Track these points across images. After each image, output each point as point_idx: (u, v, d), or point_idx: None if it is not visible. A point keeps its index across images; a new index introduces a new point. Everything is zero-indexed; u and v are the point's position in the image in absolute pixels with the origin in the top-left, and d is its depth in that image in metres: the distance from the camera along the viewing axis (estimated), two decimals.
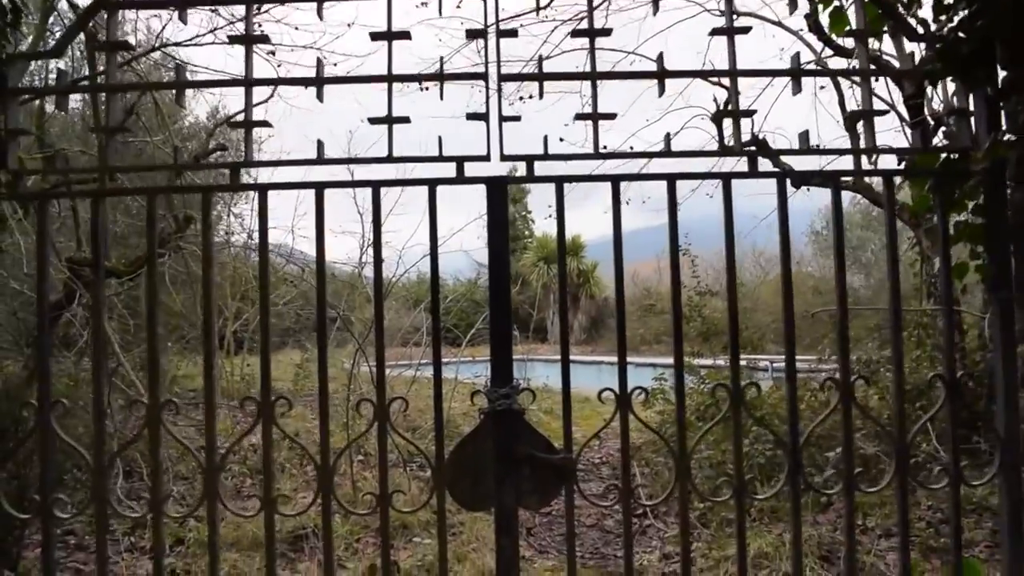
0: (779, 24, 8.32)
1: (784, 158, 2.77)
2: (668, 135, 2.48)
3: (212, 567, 2.46)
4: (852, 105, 8.27)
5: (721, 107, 8.88)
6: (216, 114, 11.02)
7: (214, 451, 2.44)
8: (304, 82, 2.54)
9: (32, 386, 7.50)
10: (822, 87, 8.19)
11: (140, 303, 10.54)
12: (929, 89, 4.84)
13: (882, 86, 7.92)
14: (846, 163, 2.74)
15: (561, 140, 6.33)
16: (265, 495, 2.44)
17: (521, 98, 7.62)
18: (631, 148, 7.21)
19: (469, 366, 11.20)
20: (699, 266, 10.07)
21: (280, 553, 5.59)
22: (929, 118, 3.98)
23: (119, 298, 9.15)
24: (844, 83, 8.37)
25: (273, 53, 5.99)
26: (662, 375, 8.81)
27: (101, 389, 2.46)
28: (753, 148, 2.55)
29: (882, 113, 2.75)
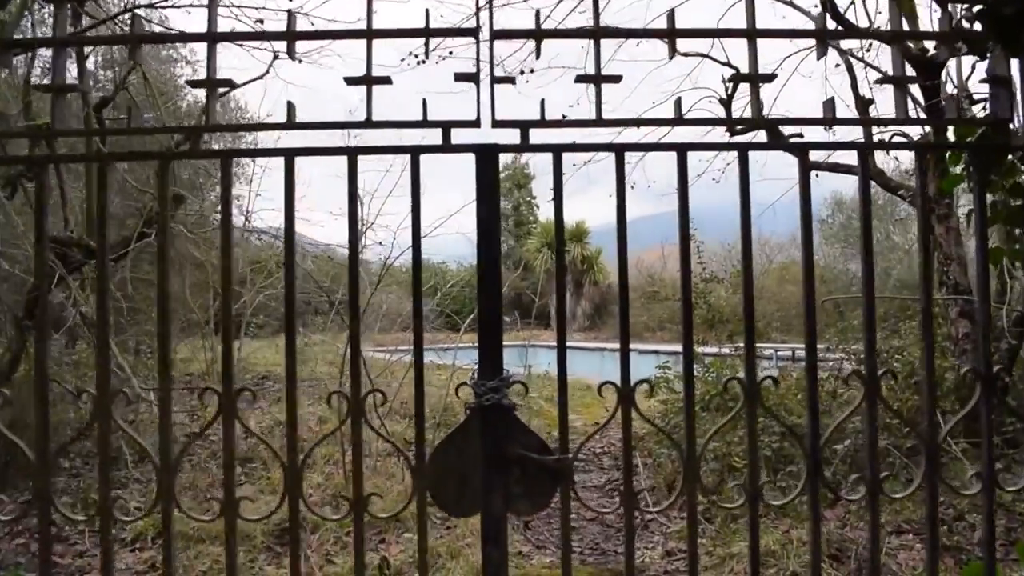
0: (790, 3, 8.02)
1: (803, 134, 2.50)
2: (679, 100, 2.21)
3: (167, 568, 2.22)
4: (864, 89, 7.98)
5: (730, 91, 8.60)
6: (222, 93, 10.72)
7: (169, 449, 2.19)
8: (273, 36, 2.29)
9: (14, 369, 7.31)
10: (837, 64, 7.89)
11: (131, 285, 10.32)
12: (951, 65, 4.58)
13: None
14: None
15: (563, 117, 6.01)
16: (226, 497, 2.20)
17: (521, 72, 7.32)
18: (636, 128, 6.95)
19: (470, 352, 10.94)
20: (704, 253, 9.80)
21: (266, 547, 5.37)
22: (954, 89, 3.71)
23: (113, 280, 8.91)
24: (857, 66, 8.12)
25: (261, 21, 5.68)
26: (666, 363, 8.57)
27: (44, 380, 2.22)
28: (773, 118, 2.28)
29: (913, 80, 2.49)
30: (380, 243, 8.46)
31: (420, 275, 2.23)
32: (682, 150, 2.23)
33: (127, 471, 7.10)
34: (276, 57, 6.18)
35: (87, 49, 6.84)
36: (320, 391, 11.41)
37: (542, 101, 2.20)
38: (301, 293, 13.43)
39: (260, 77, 6.47)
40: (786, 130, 2.31)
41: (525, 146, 2.18)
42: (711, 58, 8.39)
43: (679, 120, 2.23)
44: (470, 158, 2.19)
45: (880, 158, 7.90)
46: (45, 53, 8.86)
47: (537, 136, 2.20)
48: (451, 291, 11.37)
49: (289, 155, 2.19)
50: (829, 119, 2.31)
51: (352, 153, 2.19)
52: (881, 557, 5.11)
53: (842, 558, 5.02)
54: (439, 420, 9.32)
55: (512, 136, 2.20)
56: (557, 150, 2.21)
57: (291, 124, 2.17)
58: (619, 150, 2.22)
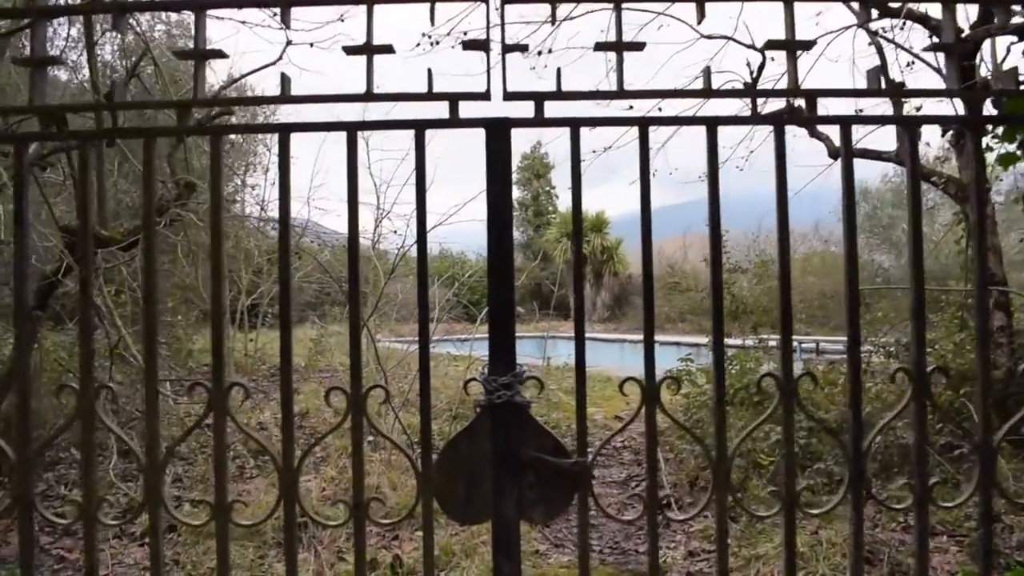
0: None
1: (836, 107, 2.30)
2: (708, 69, 2.01)
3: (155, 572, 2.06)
4: (895, 73, 7.69)
5: (755, 73, 8.36)
6: (232, 82, 10.61)
7: (157, 447, 2.03)
8: (267, 2, 2.11)
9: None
10: (869, 43, 7.61)
11: (142, 275, 10.21)
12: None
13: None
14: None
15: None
16: (217, 500, 2.03)
17: (539, 53, 7.11)
18: (659, 110, 6.72)
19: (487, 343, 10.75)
20: (728, 243, 9.56)
21: (276, 543, 5.22)
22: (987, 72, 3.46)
23: (129, 269, 8.79)
24: (887, 50, 7.84)
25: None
26: (688, 355, 8.36)
27: (26, 378, 2.06)
28: (813, 89, 2.07)
29: (963, 47, 2.27)
30: (396, 232, 8.30)
31: (426, 261, 2.05)
32: (712, 124, 2.04)
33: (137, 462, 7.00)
34: (289, 43, 6.02)
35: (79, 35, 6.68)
36: (337, 382, 11.31)
37: (558, 71, 2.00)
38: (317, 283, 13.37)
39: (272, 64, 6.31)
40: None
41: (539, 120, 1.99)
42: (735, 40, 8.14)
43: (709, 91, 2.03)
44: (483, 137, 2.01)
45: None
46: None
47: (553, 111, 2.02)
48: (469, 281, 11.18)
49: (284, 131, 2.01)
50: (875, 90, 2.11)
51: (351, 129, 2.01)
52: (910, 559, 4.93)
53: (874, 560, 4.81)
54: (455, 412, 9.18)
55: (526, 110, 2.01)
56: (574, 124, 2.02)
57: (286, 98, 1.99)
58: (643, 124, 2.02)
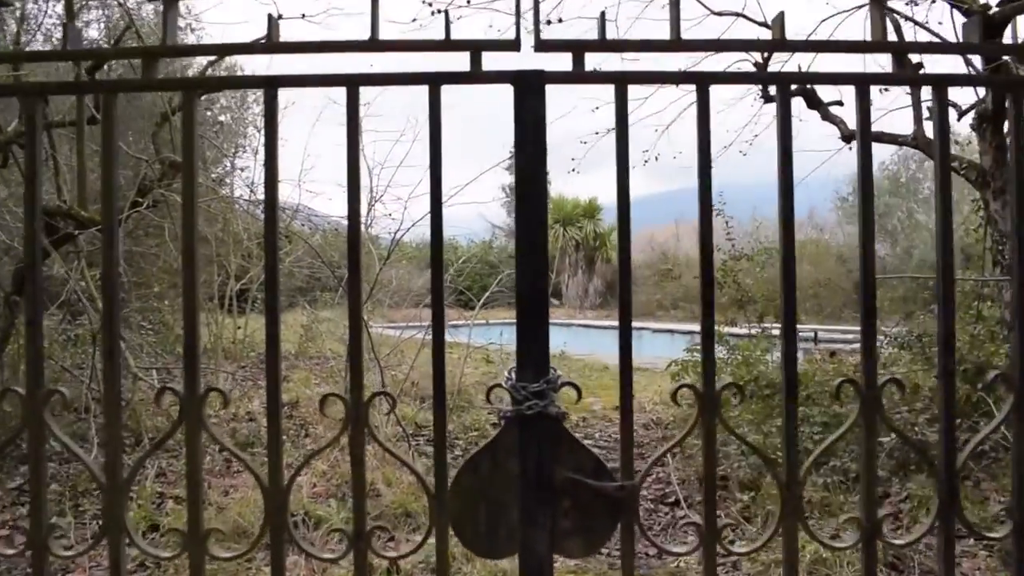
0: None
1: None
2: (782, 17, 1.67)
3: None
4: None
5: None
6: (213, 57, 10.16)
7: (118, 464, 1.70)
8: None
9: (3, 346, 6.85)
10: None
11: (138, 258, 9.87)
12: None
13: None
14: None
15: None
16: (190, 528, 1.70)
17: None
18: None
19: (483, 331, 10.44)
20: (733, 228, 9.25)
21: (266, 544, 4.88)
22: None
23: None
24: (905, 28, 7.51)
25: None
26: (696, 345, 8.04)
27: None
28: (903, 42, 1.74)
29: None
30: (391, 215, 7.97)
31: (441, 238, 1.71)
32: (784, 82, 1.70)
33: (131, 451, 6.66)
34: (280, 17, 5.66)
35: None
36: (327, 371, 10.96)
37: (602, 16, 1.66)
38: (308, 269, 13.00)
39: (263, 40, 5.90)
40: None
41: (579, 74, 1.65)
42: (745, 17, 7.80)
43: (782, 43, 1.69)
44: (504, 99, 1.68)
45: (927, 127, 7.26)
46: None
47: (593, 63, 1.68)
48: (463, 267, 10.85)
49: (270, 85, 1.67)
50: (971, 44, 1.77)
51: (352, 83, 1.67)
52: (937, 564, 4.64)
53: (900, 567, 4.51)
54: (452, 403, 8.86)
55: (561, 63, 1.67)
56: (621, 80, 1.67)
57: (273, 46, 1.65)
58: (702, 81, 1.68)
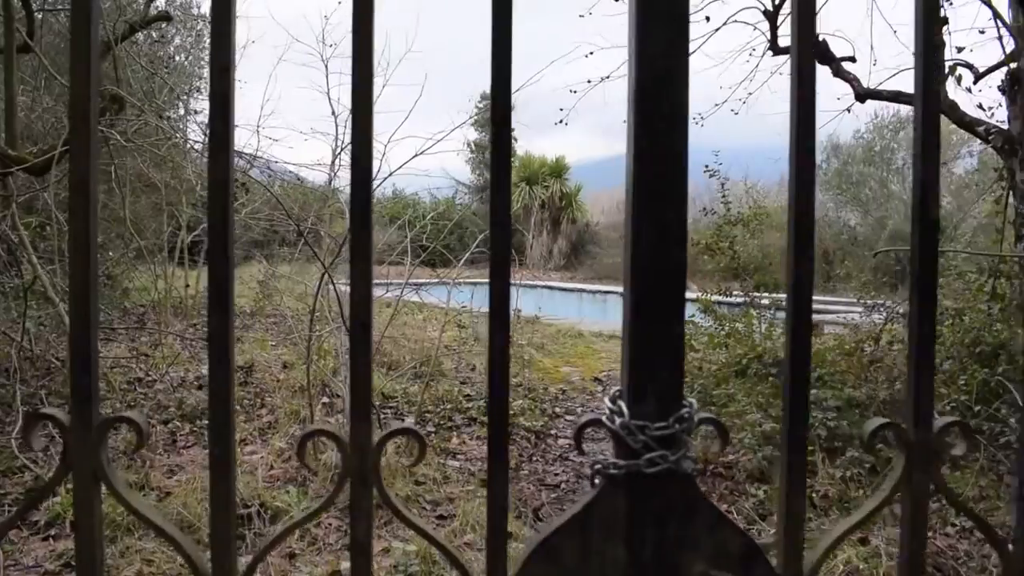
0: None
1: None
2: None
3: None
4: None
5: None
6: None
7: None
8: None
9: None
10: None
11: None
12: None
13: None
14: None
15: None
16: None
17: None
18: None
19: (441, 290, 9.70)
20: (728, 191, 8.65)
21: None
22: None
23: (57, 199, 7.55)
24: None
25: None
26: (692, 316, 7.46)
27: None
28: None
29: None
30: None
31: (510, 142, 1.04)
32: None
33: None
34: None
35: None
36: (284, 330, 10.19)
37: None
38: (267, 220, 12.17)
39: None
40: None
41: None
42: None
43: None
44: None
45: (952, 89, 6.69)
46: None
47: None
48: (443, 225, 10.16)
49: None
50: None
51: None
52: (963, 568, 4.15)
53: (946, 569, 4.00)
54: (419, 370, 8.20)
55: None
56: None
57: None
58: None
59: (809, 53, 1.02)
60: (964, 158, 23.50)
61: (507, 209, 1.01)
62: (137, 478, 4.83)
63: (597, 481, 1.03)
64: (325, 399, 6.80)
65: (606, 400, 1.03)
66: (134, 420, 1.00)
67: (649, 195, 0.97)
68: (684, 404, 1.01)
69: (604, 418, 1.01)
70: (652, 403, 1.00)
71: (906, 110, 24.54)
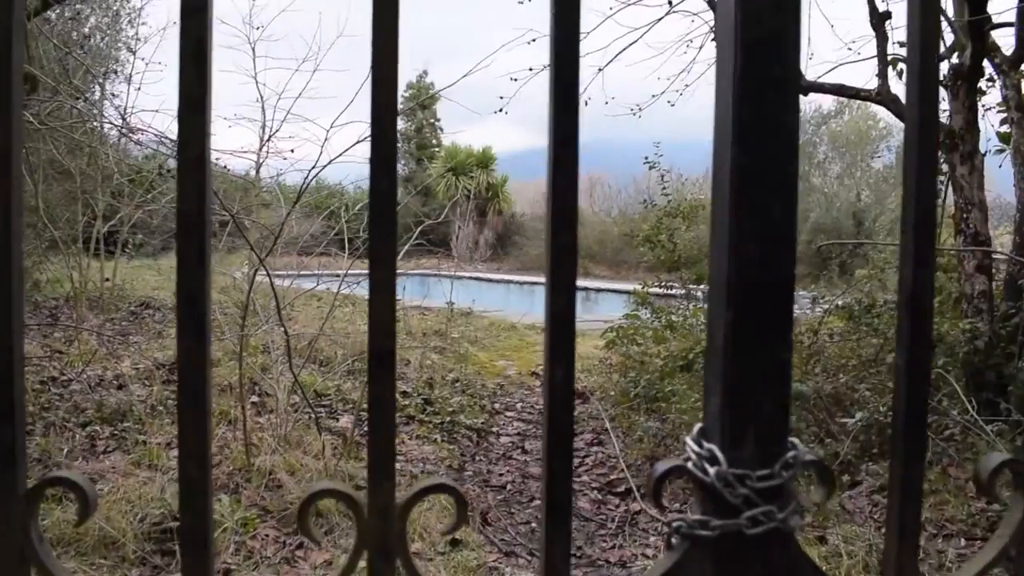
0: None
1: None
2: None
3: None
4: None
5: None
6: None
7: None
8: None
9: None
10: None
11: None
12: None
13: None
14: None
15: None
16: None
17: None
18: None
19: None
20: (668, 185, 8.57)
21: (139, 559, 3.87)
22: None
23: None
24: None
25: None
26: (635, 311, 7.33)
27: None
28: None
29: None
30: (292, 151, 6.87)
31: (577, 115, 0.82)
32: None
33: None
34: None
35: None
36: (215, 325, 9.71)
37: None
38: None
39: None
40: None
41: None
42: None
43: None
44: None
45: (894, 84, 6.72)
46: None
47: None
48: (352, 217, 9.80)
49: None
50: None
51: None
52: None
53: None
54: (352, 367, 7.89)
55: None
56: None
57: None
58: None
59: None
60: (883, 154, 24.20)
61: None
62: (53, 492, 4.44)
63: (675, 541, 0.82)
64: (255, 398, 6.46)
65: (688, 442, 0.82)
66: (76, 483, 0.75)
67: (755, 183, 0.77)
68: (789, 445, 0.81)
69: (691, 464, 0.80)
70: (751, 446, 0.79)
71: (828, 105, 25.13)
